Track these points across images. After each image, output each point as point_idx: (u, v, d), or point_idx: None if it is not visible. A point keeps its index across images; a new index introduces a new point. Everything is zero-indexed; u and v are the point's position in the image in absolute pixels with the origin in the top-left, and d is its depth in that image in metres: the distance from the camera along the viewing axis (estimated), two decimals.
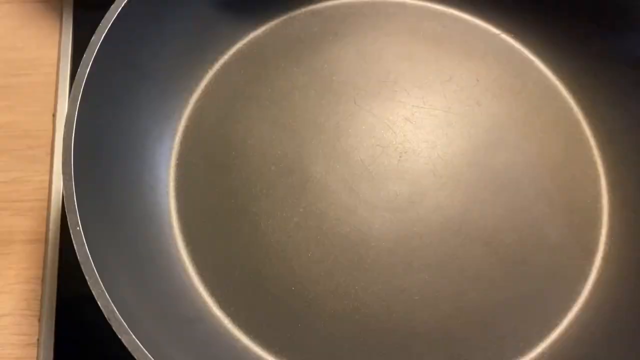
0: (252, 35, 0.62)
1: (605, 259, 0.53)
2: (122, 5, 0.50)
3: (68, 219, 0.42)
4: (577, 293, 0.52)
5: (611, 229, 0.54)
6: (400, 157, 0.56)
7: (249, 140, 0.57)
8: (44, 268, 0.57)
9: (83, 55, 0.47)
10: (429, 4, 0.63)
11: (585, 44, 0.59)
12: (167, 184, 0.55)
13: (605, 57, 0.59)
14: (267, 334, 0.50)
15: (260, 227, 0.54)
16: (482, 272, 0.52)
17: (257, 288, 0.52)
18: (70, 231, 0.42)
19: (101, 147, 0.49)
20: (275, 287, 0.52)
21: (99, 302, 0.41)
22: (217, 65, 0.60)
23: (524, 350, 0.51)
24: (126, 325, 0.40)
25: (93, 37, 0.49)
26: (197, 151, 0.57)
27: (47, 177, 0.60)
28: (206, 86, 0.59)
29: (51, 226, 0.58)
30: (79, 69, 0.48)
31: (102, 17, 0.49)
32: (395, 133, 0.57)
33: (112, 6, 0.50)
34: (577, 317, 0.52)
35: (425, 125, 0.58)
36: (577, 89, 0.60)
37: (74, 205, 0.43)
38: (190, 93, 0.58)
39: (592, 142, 0.58)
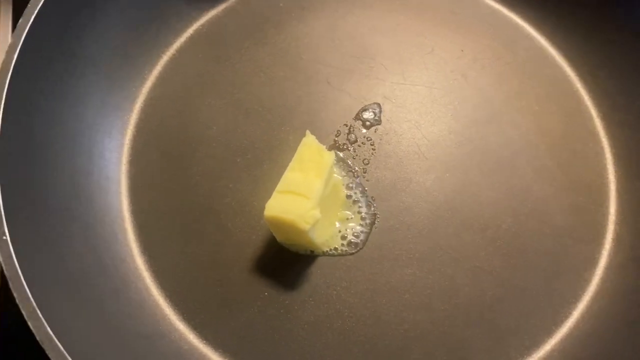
0: (211, 14, 0.55)
1: (615, 240, 0.47)
2: None
3: None
4: (587, 281, 0.46)
5: (620, 206, 0.49)
6: (381, 139, 0.50)
7: (211, 131, 0.51)
8: None
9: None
10: None
11: (582, 6, 0.54)
12: (119, 183, 0.49)
13: (606, 21, 0.53)
14: (239, 348, 0.44)
15: (227, 226, 0.47)
16: (478, 264, 0.46)
17: (225, 296, 0.45)
18: None
19: (35, 144, 0.43)
20: (245, 294, 0.45)
21: (29, 324, 0.35)
22: (172, 49, 0.54)
23: (530, 349, 0.45)
24: (62, 349, 0.34)
25: (20, 21, 0.43)
26: (152, 145, 0.50)
27: None
28: (160, 73, 0.53)
29: None
30: (4, 56, 0.42)
31: None
32: (374, 113, 0.52)
33: None
34: (588, 308, 0.46)
35: (407, 103, 0.52)
36: (573, 56, 0.54)
37: None
38: (143, 81, 0.52)
39: (593, 112, 0.52)
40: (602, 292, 0.46)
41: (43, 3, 0.43)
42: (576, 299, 0.46)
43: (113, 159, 0.49)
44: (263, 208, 0.47)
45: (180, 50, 0.54)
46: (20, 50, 0.42)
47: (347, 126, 0.51)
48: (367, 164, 0.50)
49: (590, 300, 0.46)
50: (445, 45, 0.54)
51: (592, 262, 0.47)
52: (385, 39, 0.54)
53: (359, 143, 0.50)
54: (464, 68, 0.53)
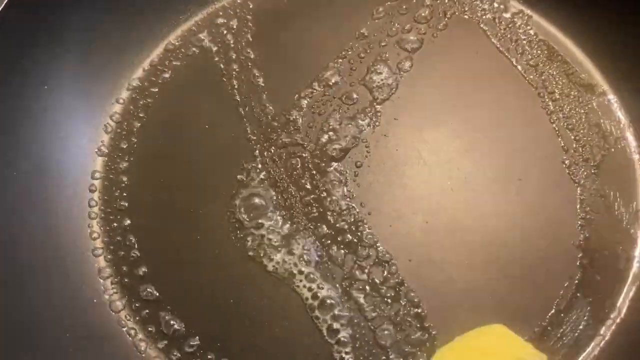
0: (209, 10, 0.53)
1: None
2: None
3: None
4: (602, 319, 0.40)
5: None
6: (377, 141, 0.46)
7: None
8: None
9: None
10: None
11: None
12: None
13: None
14: None
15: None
16: (476, 286, 0.40)
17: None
18: None
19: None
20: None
21: None
22: (165, 42, 0.51)
23: None
24: None
25: None
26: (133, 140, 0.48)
27: None
28: (151, 66, 0.50)
29: None
30: None
31: None
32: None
33: None
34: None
35: (411, 103, 0.47)
36: (601, 61, 0.48)
37: None
38: (131, 72, 0.50)
39: (625, 121, 0.46)
40: (625, 326, 0.39)
41: None
42: (594, 332, 0.39)
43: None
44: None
45: (173, 44, 0.51)
46: None
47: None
48: (360, 166, 0.45)
49: (610, 335, 0.39)
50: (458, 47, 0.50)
51: (616, 292, 0.40)
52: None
53: (354, 143, 0.46)
54: (477, 70, 0.48)
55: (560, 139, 0.45)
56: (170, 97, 0.49)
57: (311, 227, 0.43)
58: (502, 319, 0.39)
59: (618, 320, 0.39)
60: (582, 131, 0.46)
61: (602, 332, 0.39)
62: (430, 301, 0.40)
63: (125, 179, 0.46)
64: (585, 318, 0.39)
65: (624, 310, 0.40)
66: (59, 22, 0.45)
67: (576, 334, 0.39)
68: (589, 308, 0.40)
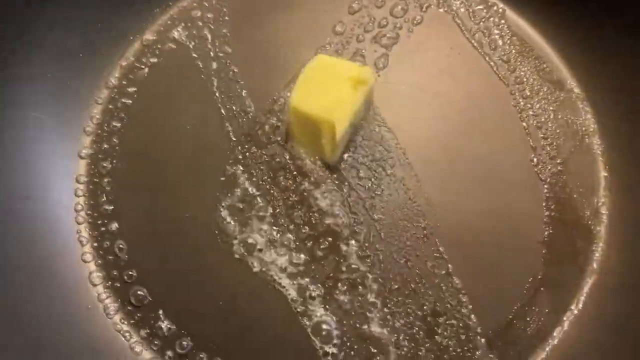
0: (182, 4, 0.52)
1: (601, 264, 0.44)
2: None
3: None
4: (567, 305, 0.43)
5: (611, 227, 0.45)
6: (361, 139, 0.47)
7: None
8: None
9: None
10: None
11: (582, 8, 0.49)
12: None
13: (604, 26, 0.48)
14: None
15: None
16: (448, 280, 0.43)
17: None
18: None
19: None
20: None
21: None
22: (140, 39, 0.51)
23: None
24: None
25: None
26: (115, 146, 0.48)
27: None
28: (127, 66, 0.50)
29: None
30: None
31: None
32: None
33: None
34: (567, 334, 0.43)
35: (391, 104, 0.49)
36: (572, 58, 0.50)
37: None
38: (111, 71, 0.50)
39: (592, 124, 0.48)
40: (582, 318, 0.43)
41: None
42: (555, 324, 0.43)
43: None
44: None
45: (149, 40, 0.51)
46: None
47: None
48: (340, 166, 0.47)
49: (569, 326, 0.43)
50: (433, 43, 0.51)
51: (574, 286, 0.44)
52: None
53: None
54: (451, 67, 0.50)
55: (529, 138, 0.47)
56: (149, 96, 0.49)
57: (294, 228, 0.45)
58: (471, 314, 0.43)
59: (576, 312, 0.43)
60: (550, 128, 0.48)
61: (561, 323, 0.43)
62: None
63: (109, 181, 0.47)
64: (546, 311, 0.43)
65: (582, 303, 0.43)
66: (34, 22, 0.44)
67: (539, 325, 0.43)
68: (550, 301, 0.43)
